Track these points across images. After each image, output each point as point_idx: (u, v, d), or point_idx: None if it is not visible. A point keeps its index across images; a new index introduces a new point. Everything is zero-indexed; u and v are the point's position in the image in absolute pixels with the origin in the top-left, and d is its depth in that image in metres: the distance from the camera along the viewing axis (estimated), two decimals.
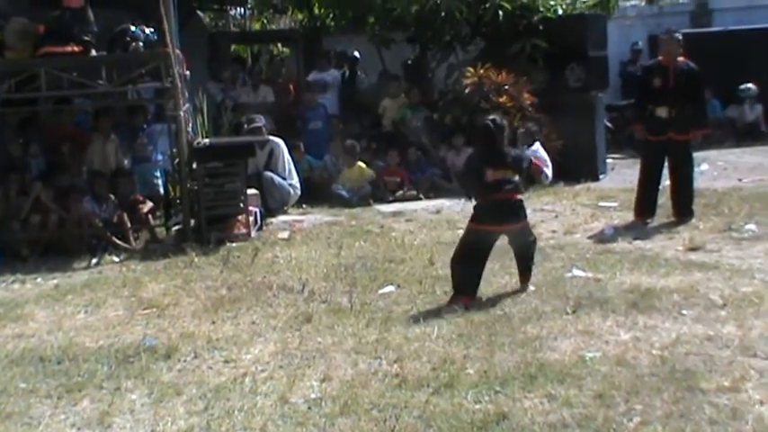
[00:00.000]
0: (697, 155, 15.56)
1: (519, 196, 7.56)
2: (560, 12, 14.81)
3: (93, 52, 10.62)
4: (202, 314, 7.42)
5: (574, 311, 6.78)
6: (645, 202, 10.62)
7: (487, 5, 14.47)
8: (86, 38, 10.53)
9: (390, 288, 7.93)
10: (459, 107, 14.63)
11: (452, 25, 14.87)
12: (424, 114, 15.25)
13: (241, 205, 10.85)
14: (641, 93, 10.90)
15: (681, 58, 10.50)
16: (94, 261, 10.07)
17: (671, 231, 9.86)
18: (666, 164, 10.58)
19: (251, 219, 10.90)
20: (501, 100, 13.84)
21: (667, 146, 10.43)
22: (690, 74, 10.44)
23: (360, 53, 17.33)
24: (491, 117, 7.74)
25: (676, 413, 4.89)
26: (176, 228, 11.15)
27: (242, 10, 21.81)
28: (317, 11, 17.25)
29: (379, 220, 11.72)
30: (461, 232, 10.34)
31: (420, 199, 13.27)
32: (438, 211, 12.01)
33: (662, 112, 10.38)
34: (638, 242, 9.39)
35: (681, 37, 10.60)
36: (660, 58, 10.74)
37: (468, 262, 7.40)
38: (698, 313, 6.64)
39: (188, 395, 5.58)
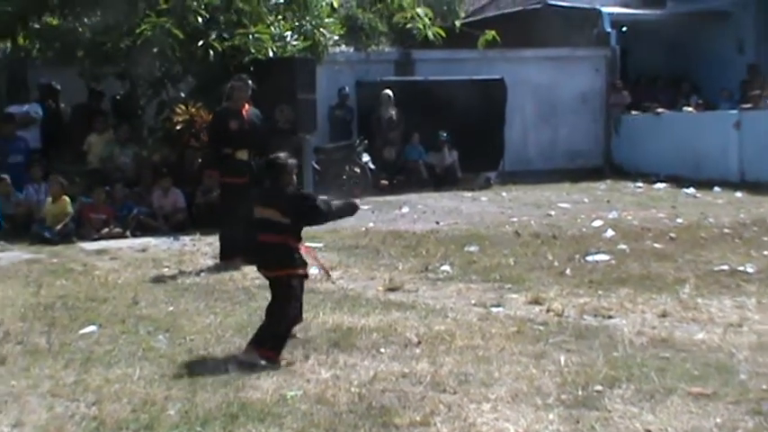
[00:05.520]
0: (398, 198, 16.43)
1: (282, 241, 6.76)
2: (271, 54, 15.00)
3: None
4: None
5: None
6: (232, 245, 10.60)
7: (199, 44, 14.47)
8: None
9: (92, 328, 7.71)
10: (168, 145, 14.52)
11: (163, 62, 14.75)
12: (133, 151, 15.03)
13: None
14: (215, 138, 11.09)
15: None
16: None
17: (372, 271, 10.20)
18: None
19: None
20: None
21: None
22: (260, 118, 10.95)
23: (69, 86, 16.78)
24: (277, 155, 6.97)
25: None
26: None
27: None
28: (21, 41, 16.57)
29: (82, 257, 11.40)
30: (167, 271, 10.37)
31: (126, 237, 13.04)
32: (144, 250, 11.84)
33: (242, 155, 10.70)
34: (341, 282, 9.65)
35: (251, 83, 10.99)
36: (231, 102, 10.98)
37: None
38: (395, 351, 6.90)
39: None
